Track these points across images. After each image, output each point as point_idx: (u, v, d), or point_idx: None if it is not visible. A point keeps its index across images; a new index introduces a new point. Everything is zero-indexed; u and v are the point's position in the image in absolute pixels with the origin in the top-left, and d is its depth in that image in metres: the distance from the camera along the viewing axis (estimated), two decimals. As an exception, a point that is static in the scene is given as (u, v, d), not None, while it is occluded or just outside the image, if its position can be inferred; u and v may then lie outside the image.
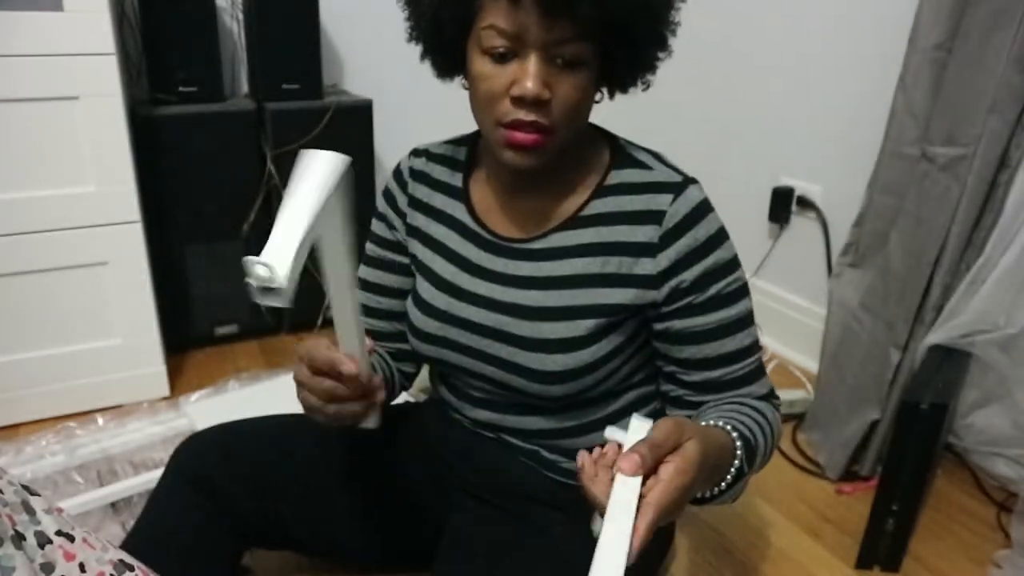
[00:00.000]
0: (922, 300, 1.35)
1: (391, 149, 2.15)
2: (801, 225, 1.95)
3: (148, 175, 1.71)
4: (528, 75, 0.69)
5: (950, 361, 1.32)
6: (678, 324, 0.79)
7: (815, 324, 1.82)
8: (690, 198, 0.77)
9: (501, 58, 0.71)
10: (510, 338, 0.82)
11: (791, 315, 1.99)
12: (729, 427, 0.71)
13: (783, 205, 1.95)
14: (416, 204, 0.91)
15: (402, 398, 1.08)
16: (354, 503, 0.93)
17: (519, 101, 0.71)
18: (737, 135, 2.10)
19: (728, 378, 0.80)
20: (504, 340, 0.82)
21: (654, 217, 0.77)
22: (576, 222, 0.81)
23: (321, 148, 0.63)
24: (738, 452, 0.69)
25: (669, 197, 0.77)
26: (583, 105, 0.74)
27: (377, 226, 0.95)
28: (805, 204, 1.91)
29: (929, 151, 1.32)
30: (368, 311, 0.96)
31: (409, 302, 0.91)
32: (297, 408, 1.01)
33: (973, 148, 1.25)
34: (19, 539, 0.53)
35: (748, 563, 1.26)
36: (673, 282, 0.77)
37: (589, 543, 0.78)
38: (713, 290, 0.78)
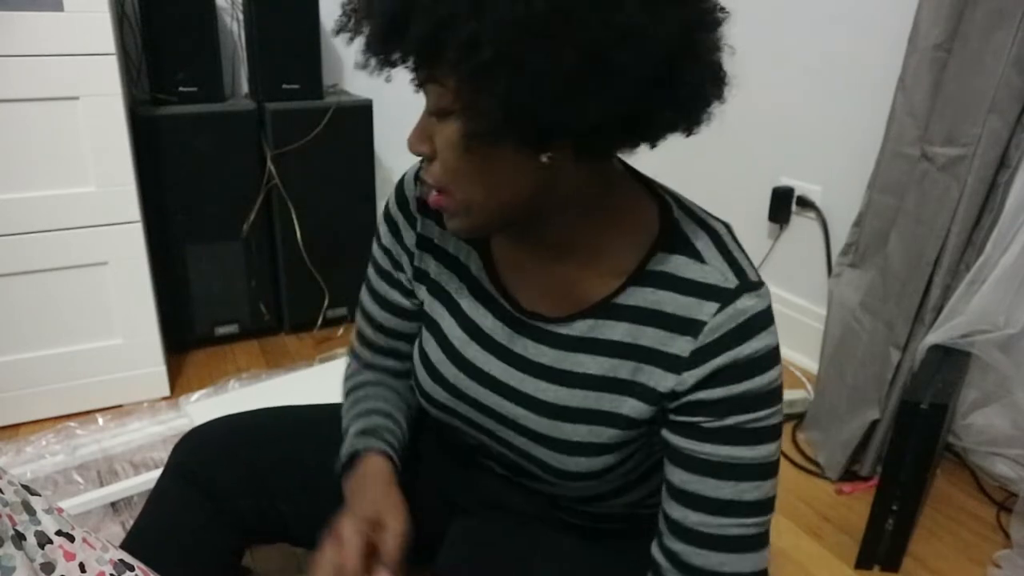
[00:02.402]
0: (922, 300, 1.35)
1: (391, 149, 2.15)
2: (801, 225, 1.95)
3: (148, 175, 1.71)
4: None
5: (950, 361, 1.32)
6: (677, 440, 0.67)
7: (815, 324, 1.82)
8: (740, 310, 0.63)
9: None
10: (525, 431, 0.73)
11: (791, 315, 1.99)
12: None
13: (783, 205, 1.95)
14: (426, 245, 0.80)
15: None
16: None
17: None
18: (737, 135, 2.10)
19: (705, 531, 0.65)
20: (518, 431, 0.74)
21: (692, 328, 0.64)
22: (609, 311, 0.68)
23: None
24: None
25: (714, 307, 0.63)
26: (464, 164, 0.60)
27: (383, 243, 0.84)
28: (805, 204, 1.91)
29: (929, 151, 1.32)
30: (372, 322, 0.88)
31: (416, 357, 0.83)
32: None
33: (973, 148, 1.25)
34: (20, 539, 0.53)
35: (748, 563, 1.26)
36: (691, 397, 0.65)
37: (599, 551, 0.75)
38: (731, 420, 0.64)
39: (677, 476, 0.67)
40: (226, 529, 0.87)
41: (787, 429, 1.65)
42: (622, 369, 0.68)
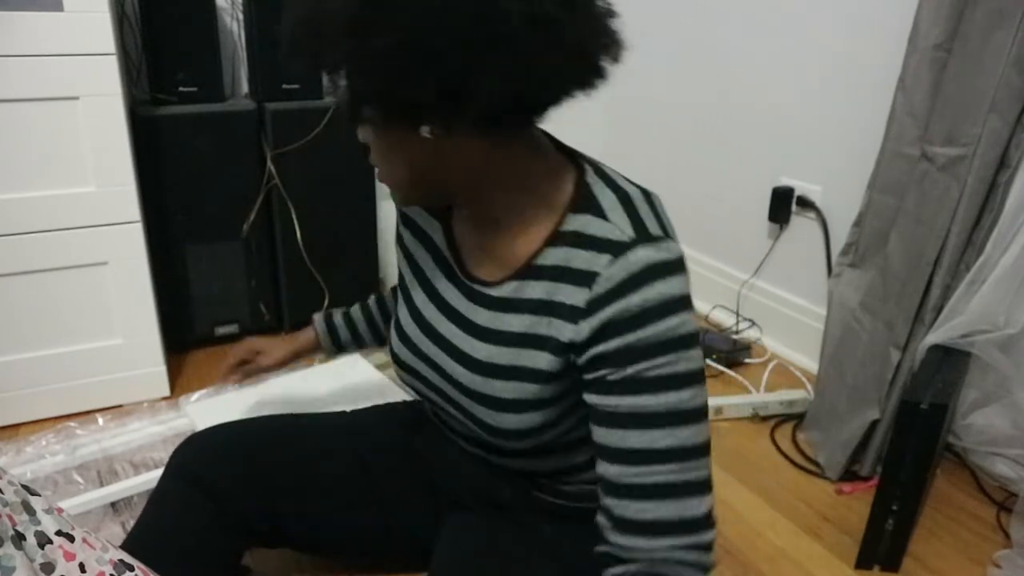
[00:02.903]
0: (922, 300, 1.35)
1: (391, 149, 2.15)
2: (801, 225, 1.95)
3: (148, 175, 1.71)
4: None
5: (950, 361, 1.32)
6: (590, 398, 0.70)
7: (815, 324, 1.82)
8: (632, 261, 0.65)
9: None
10: (464, 389, 0.78)
11: (791, 315, 1.99)
12: None
13: (783, 205, 1.95)
14: (405, 219, 0.89)
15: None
16: (352, 503, 0.93)
17: None
18: (737, 135, 2.10)
19: (626, 482, 0.67)
20: (459, 389, 0.79)
21: (589, 279, 0.67)
22: (530, 271, 0.73)
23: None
24: None
25: (607, 258, 0.66)
26: (375, 146, 0.70)
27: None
28: (805, 204, 1.91)
29: (929, 151, 1.32)
30: None
31: (392, 323, 0.90)
32: (296, 409, 1.02)
33: (973, 148, 1.25)
34: (19, 539, 0.53)
35: (748, 563, 1.26)
36: (592, 352, 0.68)
37: (590, 549, 0.76)
38: (631, 370, 0.65)
39: (595, 433, 0.70)
40: (227, 531, 0.88)
41: (787, 429, 1.65)
42: (539, 325, 0.72)
